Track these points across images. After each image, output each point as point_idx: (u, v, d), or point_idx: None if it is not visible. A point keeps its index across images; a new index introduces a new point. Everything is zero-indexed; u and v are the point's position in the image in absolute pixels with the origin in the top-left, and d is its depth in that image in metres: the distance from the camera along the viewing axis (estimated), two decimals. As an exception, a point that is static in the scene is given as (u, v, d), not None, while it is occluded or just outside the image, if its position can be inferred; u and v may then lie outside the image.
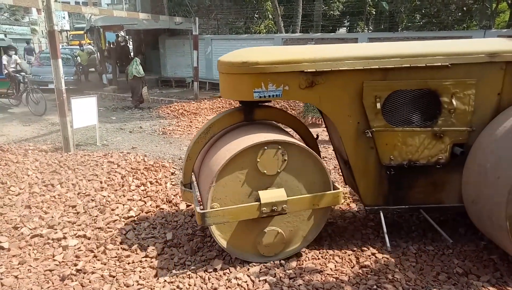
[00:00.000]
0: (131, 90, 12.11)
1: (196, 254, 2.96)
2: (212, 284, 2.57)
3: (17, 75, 10.58)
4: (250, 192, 2.63)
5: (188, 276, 2.67)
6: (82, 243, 3.15)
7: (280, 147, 2.56)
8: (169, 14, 17.34)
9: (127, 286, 2.56)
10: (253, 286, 2.55)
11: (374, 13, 19.99)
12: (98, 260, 2.88)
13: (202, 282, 2.60)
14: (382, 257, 2.88)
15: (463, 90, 2.63)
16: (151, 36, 17.77)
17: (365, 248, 3.02)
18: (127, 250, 3.05)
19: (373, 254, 2.94)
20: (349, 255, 2.93)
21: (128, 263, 2.84)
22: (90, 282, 2.59)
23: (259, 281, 2.59)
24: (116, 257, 2.94)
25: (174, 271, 2.74)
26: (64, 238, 3.23)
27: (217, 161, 2.58)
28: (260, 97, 2.64)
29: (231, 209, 2.58)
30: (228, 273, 2.69)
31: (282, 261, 2.84)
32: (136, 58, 12.55)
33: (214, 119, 2.84)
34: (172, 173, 5.08)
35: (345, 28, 22.78)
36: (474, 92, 2.63)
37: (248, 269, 2.74)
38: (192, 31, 16.64)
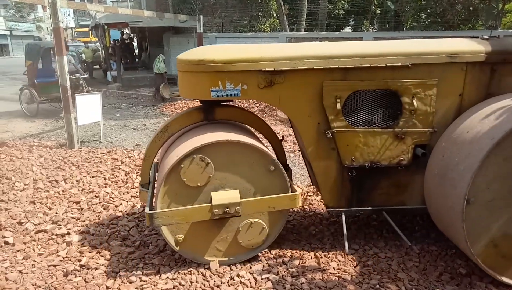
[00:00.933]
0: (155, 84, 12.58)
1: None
2: (214, 281, 2.58)
3: (72, 77, 9.54)
4: (202, 193, 2.56)
5: (190, 273, 2.68)
6: (85, 239, 3.17)
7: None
8: (173, 12, 17.36)
9: (130, 283, 2.57)
10: (255, 284, 2.55)
11: (379, 12, 19.90)
12: (102, 256, 2.90)
13: (204, 279, 2.60)
14: (385, 257, 2.87)
15: (424, 90, 2.60)
16: (155, 34, 17.79)
17: (367, 248, 3.01)
18: (130, 246, 3.06)
19: (376, 253, 2.93)
20: (351, 254, 2.92)
21: (131, 260, 2.85)
22: (93, 277, 2.60)
23: (262, 279, 2.60)
24: (119, 253, 2.95)
25: (176, 268, 2.74)
26: (68, 233, 3.25)
27: (168, 162, 2.52)
28: (218, 96, 2.58)
29: (181, 210, 2.52)
30: (230, 271, 2.70)
31: (285, 259, 2.84)
32: (160, 54, 13.07)
33: (171, 119, 2.81)
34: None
35: (350, 27, 22.70)
36: (435, 92, 2.60)
37: (251, 267, 2.74)
38: (196, 29, 16.66)
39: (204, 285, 2.54)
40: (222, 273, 2.66)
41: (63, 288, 2.49)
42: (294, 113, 2.70)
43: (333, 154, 2.76)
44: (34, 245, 3.07)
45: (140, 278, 2.61)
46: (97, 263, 2.79)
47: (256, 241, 2.75)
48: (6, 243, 3.08)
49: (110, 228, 3.38)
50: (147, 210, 2.52)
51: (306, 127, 2.71)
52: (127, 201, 3.98)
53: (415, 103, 2.60)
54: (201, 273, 2.67)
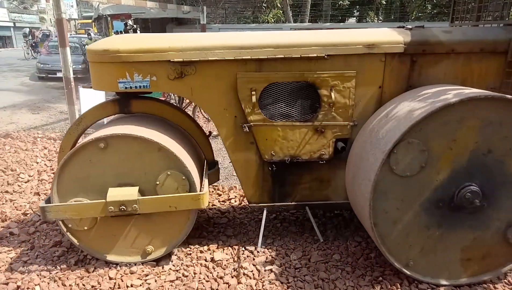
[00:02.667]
0: None
1: (200, 244, 2.98)
2: (218, 273, 2.58)
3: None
4: (101, 188, 2.45)
5: (192, 264, 2.69)
6: None
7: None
8: (177, 3, 17.26)
9: (132, 273, 2.58)
10: (259, 276, 2.56)
11: (385, 2, 19.67)
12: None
13: (207, 271, 2.61)
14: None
15: (343, 83, 2.52)
16: (158, 25, 17.72)
17: (370, 240, 3.01)
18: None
19: (379, 245, 2.92)
20: (354, 247, 2.92)
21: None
22: (95, 268, 2.62)
23: (265, 270, 2.60)
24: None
25: (178, 260, 2.75)
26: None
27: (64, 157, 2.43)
28: (126, 88, 2.48)
29: (75, 206, 2.42)
30: (233, 263, 2.70)
31: (288, 251, 2.84)
32: None
33: (86, 111, 2.73)
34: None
35: (355, 18, 22.47)
36: (354, 85, 2.52)
37: (254, 259, 2.74)
38: (200, 20, 16.57)
39: (207, 277, 2.54)
40: (225, 265, 2.67)
41: (67, 278, 2.51)
42: (208, 106, 2.61)
43: (253, 148, 2.69)
44: (38, 236, 3.09)
45: (142, 269, 2.63)
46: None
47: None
48: (11, 233, 3.10)
49: None
50: (41, 203, 2.44)
51: (223, 121, 2.62)
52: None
53: (333, 96, 2.52)
54: (204, 265, 2.68)
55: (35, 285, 2.45)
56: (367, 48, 2.46)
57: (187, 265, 2.67)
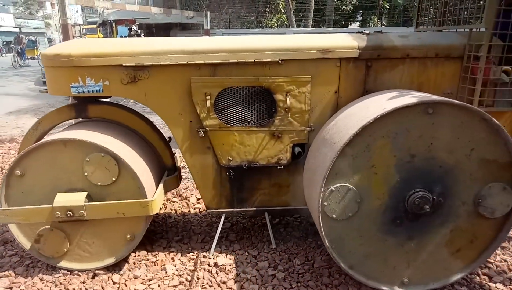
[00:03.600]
0: None
1: (202, 249, 2.97)
2: (221, 278, 2.57)
3: None
4: (50, 193, 2.39)
5: (195, 269, 2.68)
6: None
7: (116, 165, 2.35)
8: (181, 8, 17.42)
9: (135, 278, 2.58)
10: (262, 281, 2.54)
11: (388, 7, 19.71)
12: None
13: (210, 276, 2.60)
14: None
15: (298, 88, 2.49)
16: (162, 30, 17.87)
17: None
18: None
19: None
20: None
21: (134, 256, 2.86)
22: (96, 275, 2.61)
23: (268, 276, 2.59)
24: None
25: (181, 265, 2.75)
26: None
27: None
28: (79, 92, 2.46)
29: (21, 210, 2.34)
30: (236, 267, 2.69)
31: (291, 256, 2.82)
32: None
33: (44, 115, 2.71)
34: (183, 167, 5.09)
35: (358, 23, 22.53)
36: (309, 90, 2.50)
37: (257, 264, 2.73)
38: (203, 25, 16.73)
39: (210, 281, 2.53)
40: (228, 270, 2.66)
41: (69, 282, 2.51)
42: (163, 111, 2.57)
43: (209, 153, 2.66)
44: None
45: (145, 274, 2.62)
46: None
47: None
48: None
49: None
50: None
51: (178, 126, 2.59)
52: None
53: (288, 101, 2.49)
54: (208, 269, 2.66)
55: (38, 289, 2.44)
56: (321, 53, 2.45)
57: (190, 270, 2.66)
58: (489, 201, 2.07)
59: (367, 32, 2.57)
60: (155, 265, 2.72)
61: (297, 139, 2.60)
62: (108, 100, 2.99)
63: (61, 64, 2.39)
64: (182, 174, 4.29)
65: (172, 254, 2.88)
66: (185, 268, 2.70)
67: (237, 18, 18.99)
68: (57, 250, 2.54)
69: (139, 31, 20.01)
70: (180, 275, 2.62)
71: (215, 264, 2.72)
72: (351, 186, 2.06)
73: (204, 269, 2.68)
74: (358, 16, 22.10)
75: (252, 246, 3.00)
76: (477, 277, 2.58)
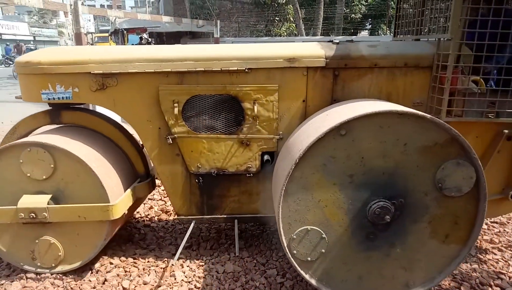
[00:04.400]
0: None
1: (211, 256, 2.98)
2: (229, 285, 2.57)
3: None
4: (15, 194, 2.43)
5: (204, 276, 2.68)
6: None
7: (45, 150, 2.34)
8: (191, 17, 17.64)
9: (145, 284, 2.59)
10: (270, 289, 2.54)
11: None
12: (116, 256, 2.93)
13: (219, 283, 2.61)
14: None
15: (266, 96, 2.50)
16: (173, 39, 18.10)
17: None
18: (145, 249, 3.09)
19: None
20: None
21: (144, 262, 2.88)
22: (106, 280, 2.63)
23: (277, 283, 2.58)
24: (134, 254, 2.99)
25: (190, 272, 2.76)
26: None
27: None
28: (49, 99, 2.52)
29: None
30: (244, 275, 2.69)
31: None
32: None
33: (20, 120, 2.77)
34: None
35: (367, 31, 22.55)
36: (277, 98, 2.51)
37: (265, 271, 2.73)
38: (213, 33, 16.94)
39: (219, 289, 2.54)
40: (237, 277, 2.66)
41: (79, 288, 2.53)
42: (132, 117, 2.59)
43: (179, 160, 2.67)
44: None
45: (154, 280, 2.64)
46: (110, 263, 2.83)
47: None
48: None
49: (126, 230, 3.42)
50: None
51: (147, 133, 2.61)
52: (144, 204, 4.04)
53: (256, 109, 2.50)
54: (216, 276, 2.67)
55: None
56: (288, 62, 2.46)
57: (199, 277, 2.67)
58: (449, 181, 2.00)
59: (337, 41, 2.59)
60: (164, 271, 2.73)
61: (266, 147, 2.61)
62: (83, 106, 3.03)
63: (31, 72, 2.47)
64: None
65: (181, 260, 2.89)
66: (194, 274, 2.71)
67: (246, 27, 19.15)
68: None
69: (149, 39, 20.34)
70: (189, 282, 2.62)
71: (224, 271, 2.73)
72: (309, 227, 2.06)
73: (212, 276, 2.68)
74: (367, 24, 22.12)
75: (260, 254, 3.00)
76: (489, 288, 2.54)
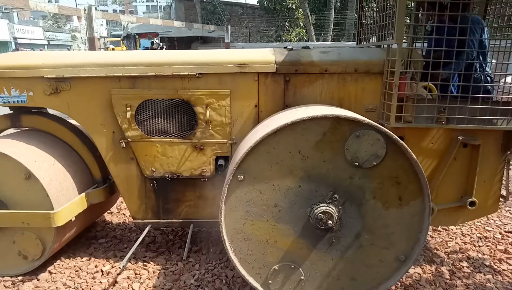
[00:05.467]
0: None
1: (221, 260, 2.97)
2: (238, 288, 2.57)
3: None
4: None
5: (213, 280, 2.68)
6: (111, 241, 3.24)
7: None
8: (202, 23, 17.80)
9: (155, 287, 2.60)
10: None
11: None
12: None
13: (228, 287, 2.60)
14: (414, 272, 2.78)
15: (218, 101, 2.53)
16: (184, 43, 18.28)
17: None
18: (155, 251, 3.11)
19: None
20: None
21: (154, 265, 2.89)
22: (116, 282, 2.65)
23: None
24: (145, 257, 3.00)
25: (199, 275, 2.76)
26: (95, 237, 3.33)
27: None
28: (5, 102, 2.57)
29: None
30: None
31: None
32: None
33: None
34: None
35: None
36: (229, 103, 2.53)
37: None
38: (224, 38, 17.07)
39: (229, 293, 2.53)
40: (246, 282, 2.65)
41: (90, 289, 2.55)
42: (85, 121, 2.62)
43: (133, 164, 2.68)
44: (63, 247, 3.16)
45: (164, 283, 2.64)
46: (120, 267, 2.84)
47: (34, 253, 2.59)
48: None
49: (137, 233, 3.44)
50: None
51: (101, 136, 2.63)
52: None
53: (208, 114, 2.52)
54: (225, 281, 2.67)
55: None
56: (238, 67, 2.48)
57: (208, 281, 2.67)
58: (362, 155, 1.94)
59: (290, 47, 2.60)
60: (174, 274, 2.74)
61: (220, 152, 2.62)
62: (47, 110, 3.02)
63: None
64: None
65: (190, 264, 2.90)
66: (204, 279, 2.71)
67: (257, 32, 19.25)
68: None
69: (161, 44, 20.57)
70: (198, 286, 2.63)
71: (233, 276, 2.72)
72: (275, 267, 2.08)
73: (222, 280, 2.68)
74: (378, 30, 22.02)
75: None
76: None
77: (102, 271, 2.77)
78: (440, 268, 2.81)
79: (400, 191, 1.99)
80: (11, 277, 2.63)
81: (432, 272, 2.77)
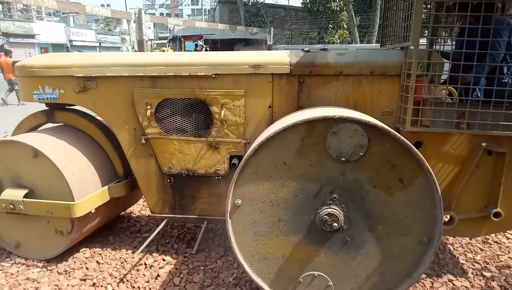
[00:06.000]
0: None
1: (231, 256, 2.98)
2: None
3: None
4: (4, 186, 2.70)
5: (251, 280, 2.69)
6: (154, 236, 3.32)
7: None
8: (245, 25, 18.00)
9: (194, 282, 2.66)
10: None
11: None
12: (169, 254, 3.04)
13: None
14: (461, 286, 2.65)
15: (232, 101, 2.58)
16: (226, 45, 18.58)
17: (442, 273, 2.80)
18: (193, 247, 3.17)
19: (450, 280, 2.71)
20: (423, 279, 2.74)
21: (194, 261, 2.95)
22: (159, 276, 2.74)
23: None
24: (185, 253, 3.08)
25: (237, 274, 2.79)
26: (139, 231, 3.47)
27: None
28: (39, 99, 2.77)
29: None
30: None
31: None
32: None
33: (24, 118, 3.03)
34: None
35: (426, 39, 21.55)
36: (243, 103, 2.57)
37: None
38: (266, 40, 17.17)
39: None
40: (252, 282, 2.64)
41: (134, 280, 2.66)
42: (110, 118, 2.77)
43: (152, 160, 2.79)
44: (112, 238, 3.31)
45: (203, 280, 2.70)
46: (163, 259, 2.94)
47: (66, 227, 2.75)
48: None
49: (178, 230, 3.55)
50: None
51: (123, 133, 2.76)
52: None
53: (223, 113, 2.57)
54: (234, 284, 2.67)
55: (108, 284, 2.63)
56: (253, 68, 2.51)
57: (246, 280, 2.69)
58: (346, 149, 1.88)
59: (307, 49, 2.60)
60: (213, 271, 2.79)
61: (234, 151, 2.66)
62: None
63: (26, 74, 2.77)
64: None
65: (229, 262, 2.94)
66: (242, 277, 2.74)
67: (299, 34, 19.16)
68: (10, 239, 2.84)
69: (204, 46, 21.06)
70: (237, 284, 2.66)
71: (243, 272, 2.71)
72: (300, 278, 2.06)
73: (232, 274, 2.69)
74: (426, 32, 21.17)
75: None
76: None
77: (145, 264, 2.88)
78: (490, 283, 2.66)
79: (399, 173, 1.90)
80: (63, 263, 2.81)
81: (482, 287, 2.62)
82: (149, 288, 2.58)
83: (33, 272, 2.61)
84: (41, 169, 2.61)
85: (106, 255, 3.02)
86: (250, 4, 19.38)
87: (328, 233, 2.01)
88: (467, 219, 2.50)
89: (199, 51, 20.25)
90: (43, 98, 2.79)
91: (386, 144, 1.87)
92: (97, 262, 2.90)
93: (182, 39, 17.61)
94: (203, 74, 2.57)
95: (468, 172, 2.38)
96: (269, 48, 15.71)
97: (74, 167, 2.67)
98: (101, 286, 2.58)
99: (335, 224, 1.95)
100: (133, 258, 2.96)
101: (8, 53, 12.18)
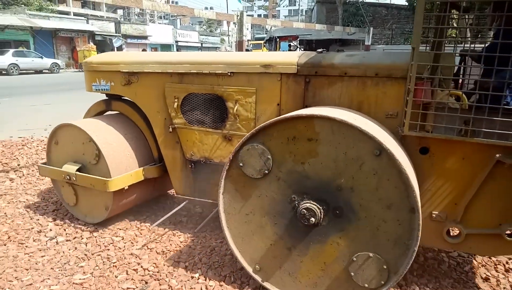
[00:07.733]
0: None
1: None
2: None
3: None
4: (68, 160, 3.25)
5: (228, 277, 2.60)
6: (192, 217, 3.40)
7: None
8: (343, 25, 17.60)
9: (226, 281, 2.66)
10: None
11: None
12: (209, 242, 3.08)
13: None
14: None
15: (245, 98, 2.77)
16: (321, 46, 18.31)
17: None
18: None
19: None
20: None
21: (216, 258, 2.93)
22: (201, 261, 2.86)
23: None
24: (208, 246, 3.08)
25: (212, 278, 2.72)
26: (179, 214, 3.51)
27: None
28: (96, 89, 3.36)
29: (48, 168, 3.33)
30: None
31: None
32: None
33: (92, 105, 3.58)
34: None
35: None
36: (254, 100, 2.75)
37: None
38: (364, 41, 16.53)
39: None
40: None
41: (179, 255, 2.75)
42: (147, 108, 3.17)
43: (178, 147, 3.12)
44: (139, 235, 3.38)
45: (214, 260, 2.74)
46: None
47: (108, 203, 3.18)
48: (118, 235, 3.31)
49: (211, 211, 3.47)
50: (40, 162, 3.55)
51: (156, 121, 3.15)
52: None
53: (236, 109, 2.78)
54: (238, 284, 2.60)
55: (145, 269, 2.72)
56: (263, 68, 2.64)
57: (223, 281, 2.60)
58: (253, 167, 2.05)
59: (319, 50, 2.70)
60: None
61: None
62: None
63: (87, 69, 3.38)
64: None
65: (204, 258, 2.89)
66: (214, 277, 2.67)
67: (400, 34, 18.09)
68: (69, 201, 3.43)
69: (298, 46, 21.17)
70: (213, 286, 2.61)
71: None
72: (371, 254, 2.03)
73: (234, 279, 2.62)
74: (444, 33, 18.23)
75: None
76: None
77: (179, 259, 2.93)
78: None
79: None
80: (161, 244, 3.06)
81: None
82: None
83: (136, 249, 2.95)
84: (89, 150, 3.14)
85: (143, 251, 3.09)
86: (349, 3, 18.89)
87: (304, 227, 2.11)
88: (478, 235, 2.32)
89: (291, 50, 20.45)
90: (99, 89, 3.37)
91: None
92: (189, 247, 3.06)
93: (278, 39, 17.93)
94: (220, 72, 2.83)
95: (478, 184, 2.19)
96: (367, 48, 15.14)
97: (114, 149, 3.13)
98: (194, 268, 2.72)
99: (312, 219, 2.03)
100: (173, 236, 3.09)
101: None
